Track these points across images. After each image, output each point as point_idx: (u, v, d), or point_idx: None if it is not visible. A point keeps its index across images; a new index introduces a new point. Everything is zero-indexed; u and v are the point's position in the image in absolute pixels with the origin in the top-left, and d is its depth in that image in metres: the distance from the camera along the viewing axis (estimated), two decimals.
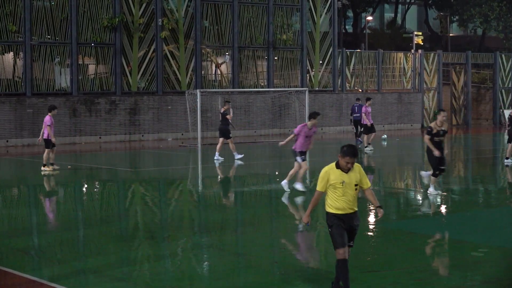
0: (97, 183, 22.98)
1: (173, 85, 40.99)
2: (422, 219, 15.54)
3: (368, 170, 25.72)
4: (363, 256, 11.90)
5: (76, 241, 13.67)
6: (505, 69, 55.31)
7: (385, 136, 39.10)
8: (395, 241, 13.17)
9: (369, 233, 13.97)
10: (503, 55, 55.70)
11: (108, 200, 19.39)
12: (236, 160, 27.66)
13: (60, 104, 37.35)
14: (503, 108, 55.19)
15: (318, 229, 14.69)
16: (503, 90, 55.36)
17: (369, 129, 32.05)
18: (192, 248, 12.85)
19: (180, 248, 12.85)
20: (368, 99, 33.08)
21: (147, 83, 40.36)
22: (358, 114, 35.88)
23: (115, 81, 39.27)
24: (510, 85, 55.70)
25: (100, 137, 38.43)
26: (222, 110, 29.07)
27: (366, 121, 32.02)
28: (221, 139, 28.26)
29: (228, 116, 28.44)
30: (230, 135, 28.40)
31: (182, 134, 40.27)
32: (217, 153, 28.02)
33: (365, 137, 32.02)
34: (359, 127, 36.14)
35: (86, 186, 22.27)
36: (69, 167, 27.34)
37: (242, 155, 28.29)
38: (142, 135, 39.54)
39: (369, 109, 32.45)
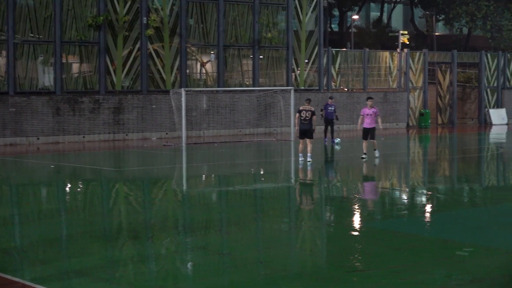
0: (80, 182, 22.88)
1: (158, 84, 40.91)
2: (407, 218, 15.55)
3: (353, 170, 25.75)
4: (348, 256, 11.89)
5: (59, 241, 13.59)
6: (490, 68, 55.55)
7: (339, 140, 36.00)
8: (380, 240, 13.17)
9: (354, 233, 13.97)
10: (488, 54, 55.93)
11: (91, 200, 19.30)
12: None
13: (44, 103, 37.24)
14: (488, 107, 55.41)
15: (303, 228, 14.68)
16: (488, 90, 55.59)
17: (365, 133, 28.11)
18: (176, 248, 12.81)
19: (164, 248, 12.81)
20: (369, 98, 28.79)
21: (131, 82, 40.26)
22: (331, 112, 36.10)
23: (99, 80, 39.16)
24: (495, 85, 55.94)
25: (83, 137, 38.29)
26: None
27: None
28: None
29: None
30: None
31: (167, 134, 40.20)
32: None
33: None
34: (329, 126, 36.21)
35: (69, 185, 22.18)
36: (52, 166, 27.24)
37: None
38: (126, 134, 39.44)
39: (367, 111, 27.75)
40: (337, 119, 37.91)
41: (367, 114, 27.56)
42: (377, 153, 27.66)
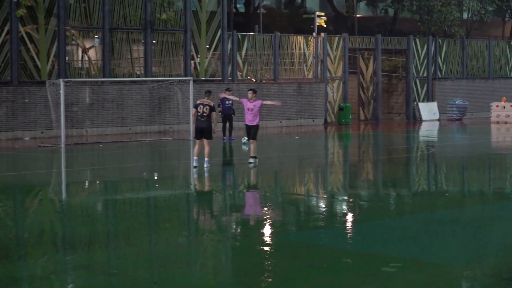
0: None
1: (31, 73, 40.32)
2: (325, 229, 15.71)
3: (261, 174, 25.89)
4: (257, 274, 11.95)
5: None
6: (419, 55, 56.57)
7: (246, 139, 36.61)
8: (295, 255, 13.27)
9: (264, 247, 14.05)
10: (417, 40, 56.96)
11: None
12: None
13: None
14: (417, 101, 56.40)
15: (204, 244, 14.69)
16: (417, 80, 56.60)
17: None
18: (54, 268, 12.66)
19: (40, 268, 12.65)
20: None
21: None
22: (230, 106, 36.62)
23: None
24: (425, 74, 56.98)
25: None
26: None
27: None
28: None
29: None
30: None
31: (42, 132, 39.68)
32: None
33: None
34: (227, 123, 36.72)
35: None
36: None
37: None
38: None
39: (249, 104, 26.70)
40: (233, 113, 37.87)
41: (248, 109, 26.51)
42: (251, 160, 26.82)
